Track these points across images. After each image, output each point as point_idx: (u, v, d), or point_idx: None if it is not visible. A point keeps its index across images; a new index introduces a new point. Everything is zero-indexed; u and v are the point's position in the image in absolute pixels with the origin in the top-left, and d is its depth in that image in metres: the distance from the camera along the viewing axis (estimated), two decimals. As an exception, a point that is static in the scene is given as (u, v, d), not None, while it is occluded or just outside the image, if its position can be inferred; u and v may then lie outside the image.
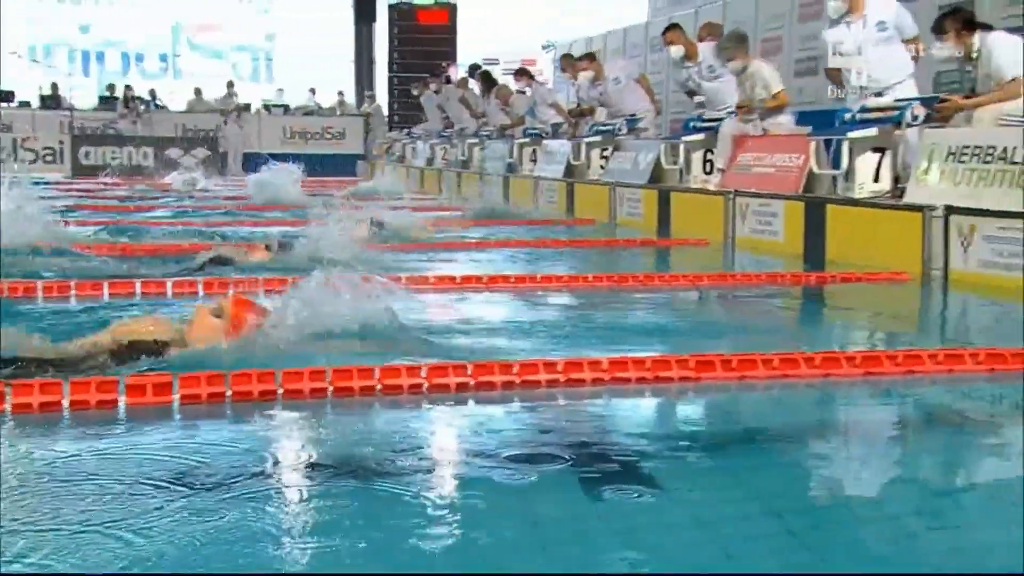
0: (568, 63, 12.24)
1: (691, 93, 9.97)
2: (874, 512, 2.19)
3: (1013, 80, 6.09)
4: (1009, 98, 6.11)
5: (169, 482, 2.18)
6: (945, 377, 3.31)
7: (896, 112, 6.76)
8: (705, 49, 9.42)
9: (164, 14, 26.33)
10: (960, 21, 6.30)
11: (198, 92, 22.52)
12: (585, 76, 11.34)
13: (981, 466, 2.60)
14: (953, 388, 3.29)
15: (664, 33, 9.77)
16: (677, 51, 9.45)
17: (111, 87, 22.33)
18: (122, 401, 2.82)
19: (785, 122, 8.65)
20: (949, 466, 2.60)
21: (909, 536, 2.04)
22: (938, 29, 6.46)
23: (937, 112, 6.50)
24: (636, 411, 3.14)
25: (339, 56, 24.56)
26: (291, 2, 26.10)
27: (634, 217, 9.73)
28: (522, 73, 14.02)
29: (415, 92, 18.03)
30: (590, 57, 11.79)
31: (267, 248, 6.08)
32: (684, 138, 9.40)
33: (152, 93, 22.36)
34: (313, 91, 23.36)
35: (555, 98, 13.56)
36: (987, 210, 5.55)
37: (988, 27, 6.40)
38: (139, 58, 26.96)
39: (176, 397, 2.86)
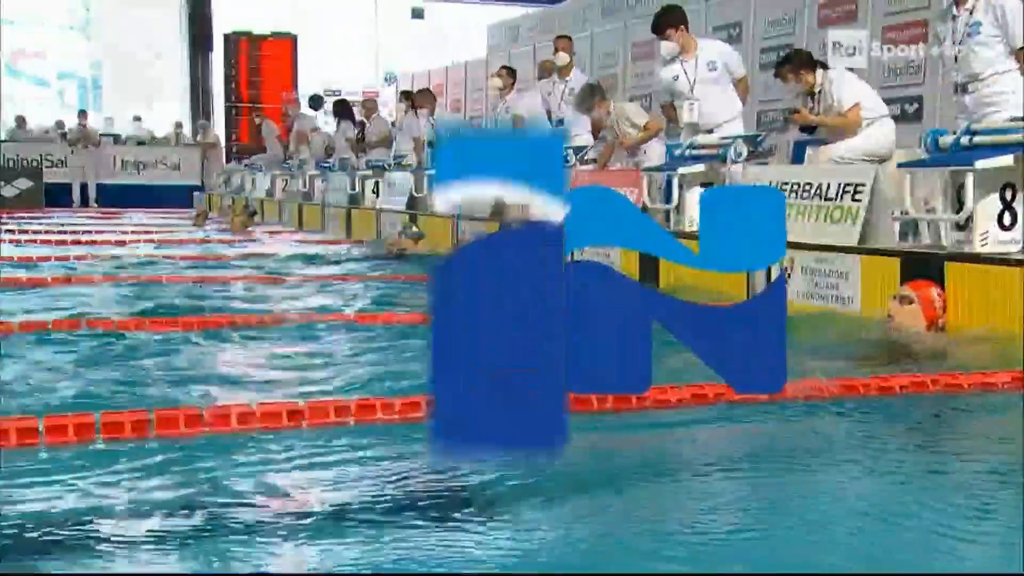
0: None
1: None
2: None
3: (853, 107, 6.59)
4: (850, 123, 6.58)
5: None
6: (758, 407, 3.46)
7: (721, 149, 7.09)
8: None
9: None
10: (799, 64, 6.90)
11: (20, 120, 21.39)
12: (494, 83, 11.18)
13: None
14: (761, 417, 3.43)
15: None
16: (495, 83, 9.77)
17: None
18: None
19: (658, 150, 8.41)
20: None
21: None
22: (779, 76, 7.19)
23: (793, 121, 7.13)
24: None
25: (172, 85, 23.81)
26: (119, 30, 25.06)
27: (476, 249, 9.80)
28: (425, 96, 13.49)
29: (257, 121, 17.67)
30: (508, 70, 11.52)
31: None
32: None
33: (-35, 120, 21.10)
34: (139, 119, 22.55)
35: (421, 132, 13.19)
36: (805, 243, 5.87)
37: (825, 65, 6.92)
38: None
39: None
